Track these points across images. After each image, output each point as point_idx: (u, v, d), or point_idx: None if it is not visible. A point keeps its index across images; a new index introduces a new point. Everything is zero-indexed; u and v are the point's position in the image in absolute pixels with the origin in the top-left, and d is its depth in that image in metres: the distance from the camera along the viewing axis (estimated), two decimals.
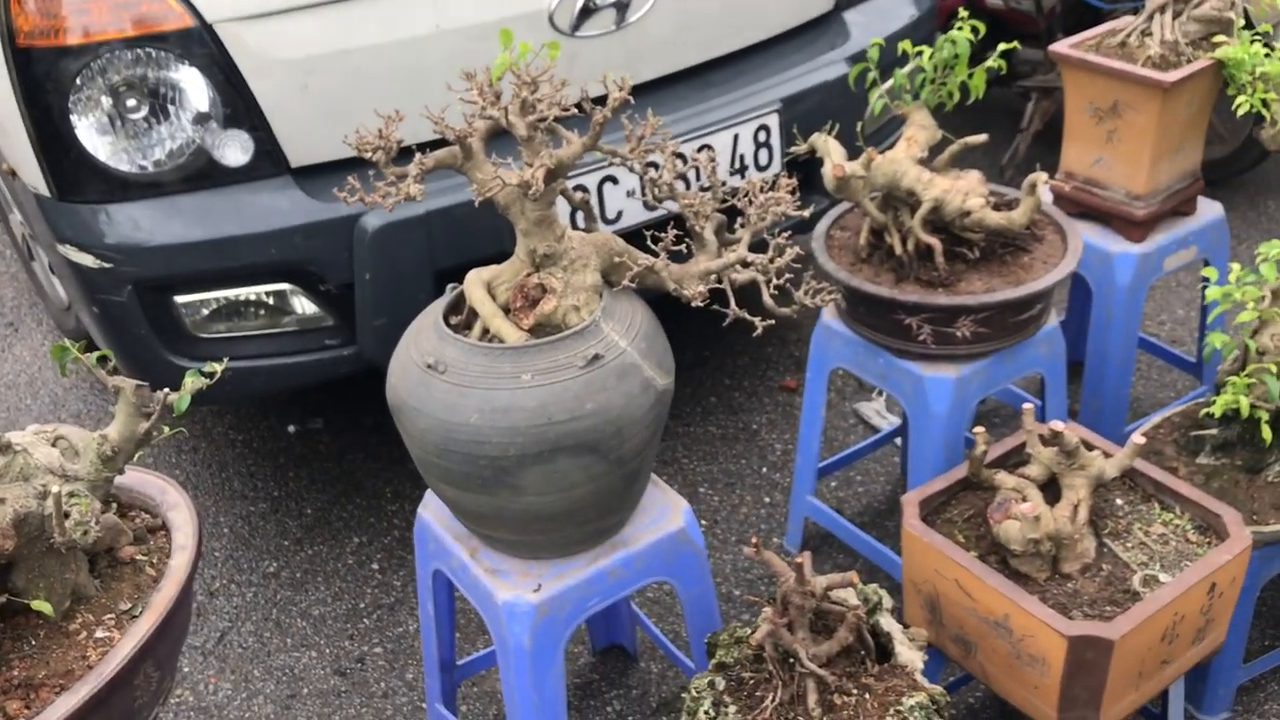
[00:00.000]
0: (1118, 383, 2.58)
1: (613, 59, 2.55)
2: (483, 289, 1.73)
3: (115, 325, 2.43)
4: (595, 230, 1.82)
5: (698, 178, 2.51)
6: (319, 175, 2.39)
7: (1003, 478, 1.88)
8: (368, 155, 1.65)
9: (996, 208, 2.17)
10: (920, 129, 2.14)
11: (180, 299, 2.39)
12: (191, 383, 1.48)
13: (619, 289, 1.76)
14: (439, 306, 1.77)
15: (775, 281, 1.66)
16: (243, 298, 2.42)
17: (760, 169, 2.67)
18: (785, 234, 1.73)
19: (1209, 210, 2.58)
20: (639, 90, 2.64)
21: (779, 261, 1.67)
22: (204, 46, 2.23)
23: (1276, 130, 2.33)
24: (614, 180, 2.48)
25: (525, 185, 1.53)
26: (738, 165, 2.64)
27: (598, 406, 1.61)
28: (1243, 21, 2.41)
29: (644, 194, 1.79)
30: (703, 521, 2.73)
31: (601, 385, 1.62)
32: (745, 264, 1.72)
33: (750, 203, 1.76)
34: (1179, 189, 2.50)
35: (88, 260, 2.33)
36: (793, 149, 2.18)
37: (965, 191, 2.09)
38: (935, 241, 2.09)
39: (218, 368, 1.59)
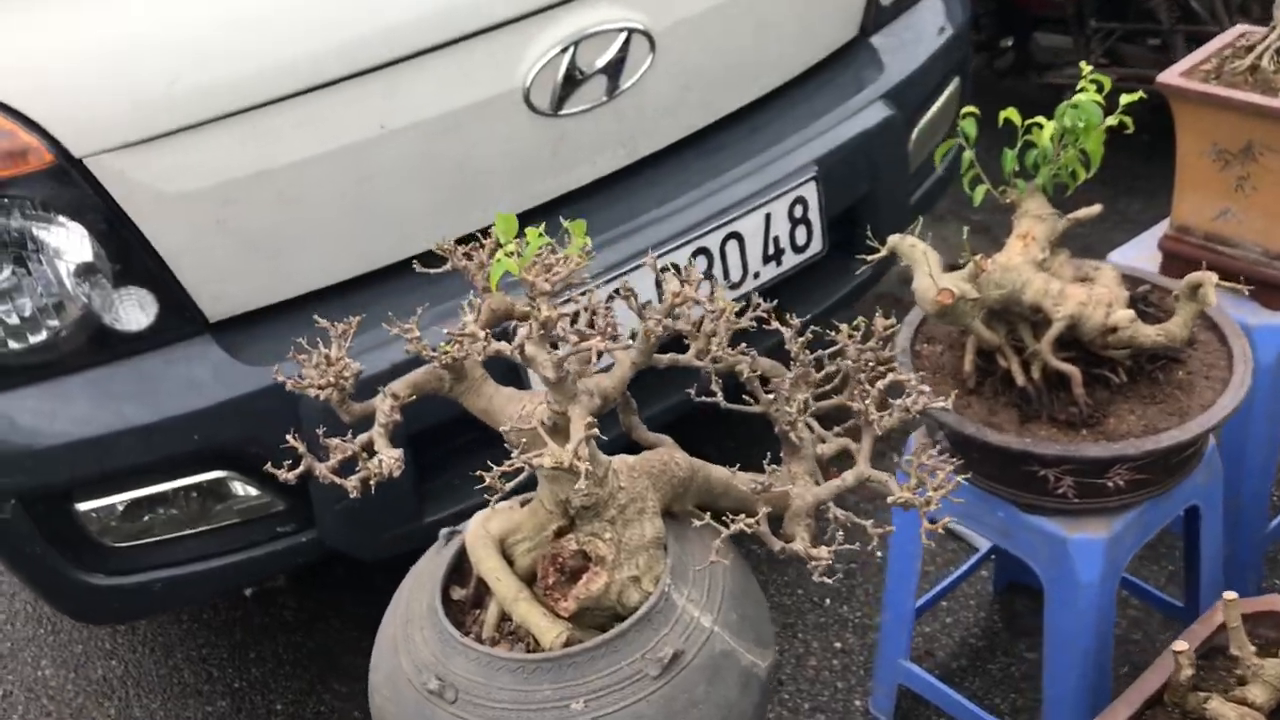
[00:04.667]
0: (1258, 484, 2.09)
1: (606, 136, 2.02)
2: (495, 552, 1.21)
3: (5, 545, 1.88)
4: (632, 420, 1.29)
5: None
6: (247, 329, 1.86)
7: (1218, 708, 1.39)
8: (315, 394, 1.12)
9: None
10: (1036, 220, 1.62)
11: (83, 507, 1.84)
12: None
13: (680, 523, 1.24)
14: (436, 576, 1.25)
15: (929, 527, 1.14)
16: (166, 493, 1.88)
17: (799, 250, 2.15)
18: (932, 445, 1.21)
19: None
20: (639, 168, 2.11)
21: (934, 498, 1.15)
22: (73, 188, 1.68)
23: None
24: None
25: (566, 469, 1.01)
26: (772, 250, 2.11)
27: None
28: None
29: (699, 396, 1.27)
30: None
31: (689, 698, 1.11)
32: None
33: (863, 382, 1.24)
34: None
35: None
36: (869, 259, 1.66)
37: (1107, 302, 1.58)
38: (1074, 371, 1.58)
39: None
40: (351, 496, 1.06)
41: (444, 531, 1.32)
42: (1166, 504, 1.71)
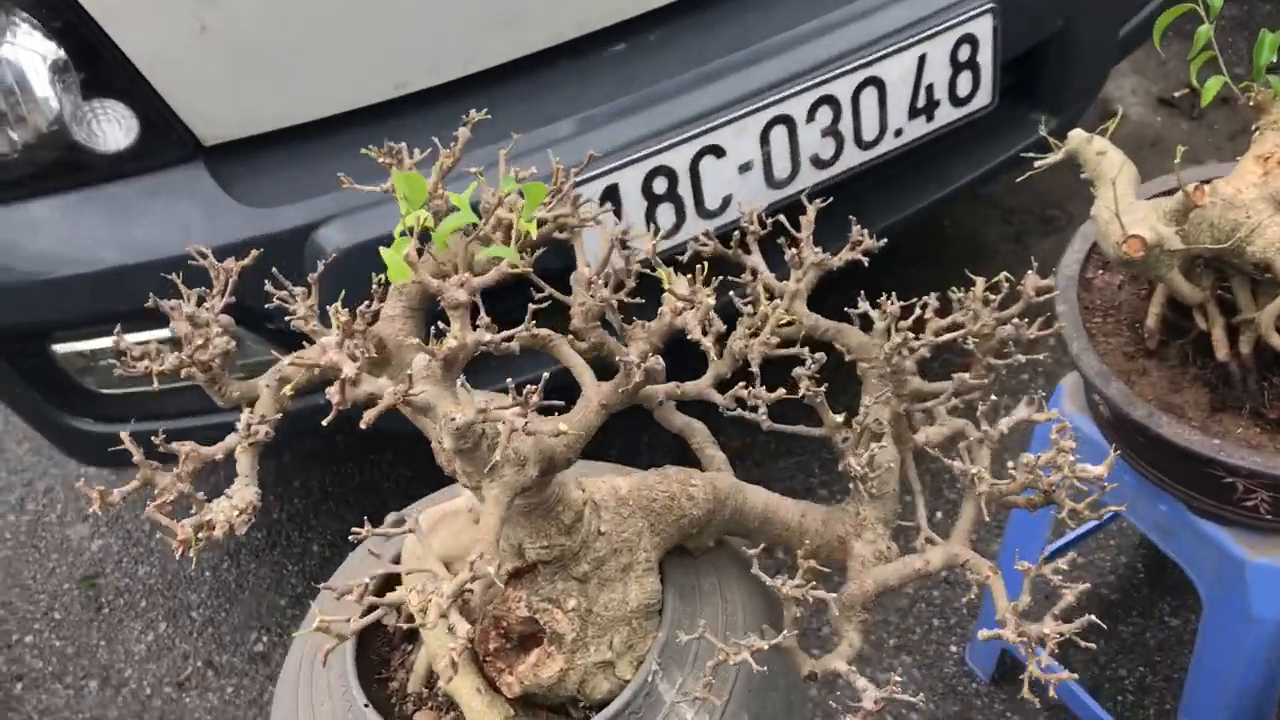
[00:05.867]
0: None
1: None
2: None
3: None
4: (655, 392, 0.92)
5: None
6: (247, 159, 1.52)
7: None
8: (153, 372, 0.80)
9: None
10: None
11: (61, 349, 1.59)
12: None
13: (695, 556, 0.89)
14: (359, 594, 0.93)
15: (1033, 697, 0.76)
16: (157, 339, 1.60)
17: (959, 102, 1.67)
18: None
19: None
20: None
21: (1051, 638, 0.76)
22: None
23: None
24: (718, 152, 1.53)
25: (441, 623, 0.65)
26: (923, 102, 1.64)
27: None
28: None
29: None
30: None
31: None
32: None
33: (990, 371, 0.84)
34: None
35: None
36: (1038, 163, 1.20)
37: None
38: None
39: None
40: (178, 556, 0.74)
41: (391, 517, 1.01)
42: None
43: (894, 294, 0.88)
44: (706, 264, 0.73)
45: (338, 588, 0.66)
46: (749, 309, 0.80)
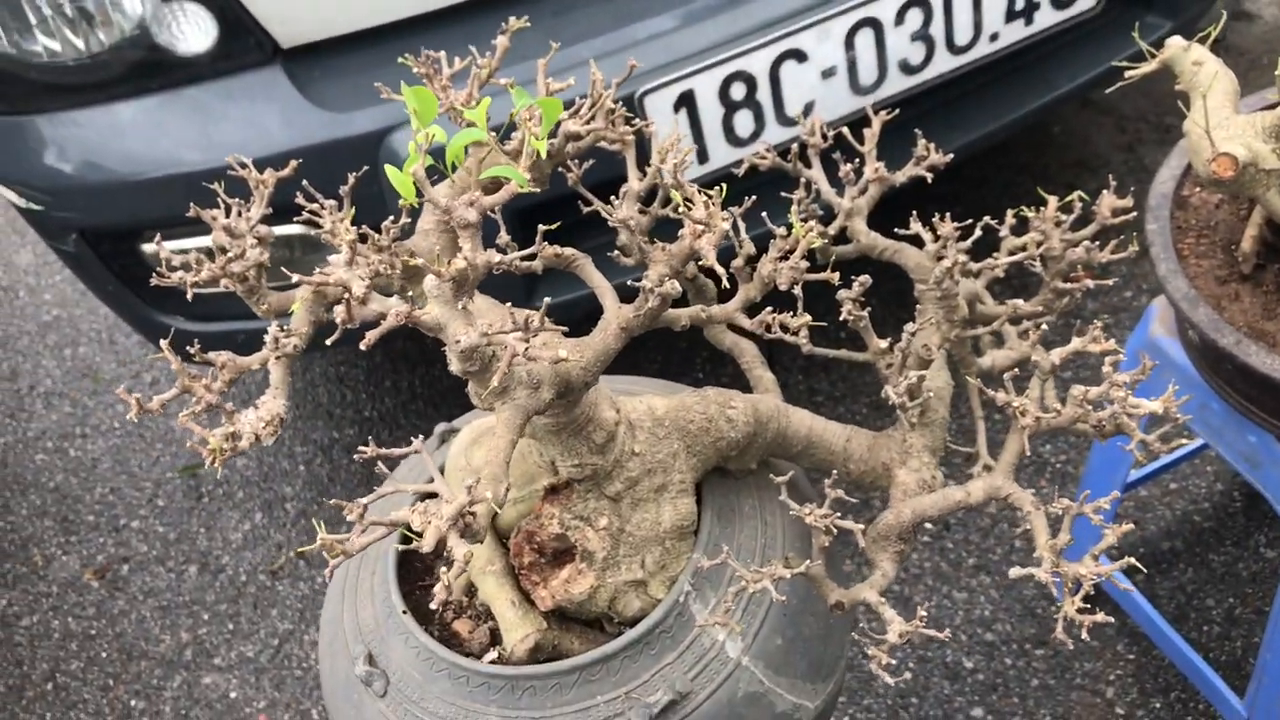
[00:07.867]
0: None
1: None
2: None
3: (84, 277, 1.72)
4: (710, 313, 0.90)
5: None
6: (324, 62, 1.52)
7: None
8: (187, 284, 0.80)
9: None
10: None
11: (149, 248, 1.64)
12: None
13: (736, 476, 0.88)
14: (405, 501, 0.95)
15: (1061, 635, 0.73)
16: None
17: (1061, 5, 1.58)
18: None
19: None
20: None
21: (1088, 575, 0.72)
22: None
23: None
24: (799, 57, 1.48)
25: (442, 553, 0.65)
26: (1022, 4, 1.55)
27: None
28: None
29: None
30: (919, 560, 1.88)
31: None
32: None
33: (1053, 304, 0.80)
34: None
35: (11, 196, 1.59)
36: (1129, 72, 1.12)
37: None
38: None
39: None
40: (207, 465, 0.75)
41: (440, 429, 1.01)
42: None
43: (948, 214, 0.83)
44: (724, 185, 0.70)
45: (347, 506, 0.66)
46: (782, 230, 0.77)
